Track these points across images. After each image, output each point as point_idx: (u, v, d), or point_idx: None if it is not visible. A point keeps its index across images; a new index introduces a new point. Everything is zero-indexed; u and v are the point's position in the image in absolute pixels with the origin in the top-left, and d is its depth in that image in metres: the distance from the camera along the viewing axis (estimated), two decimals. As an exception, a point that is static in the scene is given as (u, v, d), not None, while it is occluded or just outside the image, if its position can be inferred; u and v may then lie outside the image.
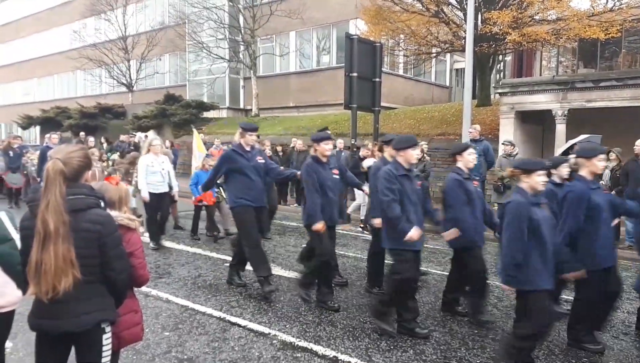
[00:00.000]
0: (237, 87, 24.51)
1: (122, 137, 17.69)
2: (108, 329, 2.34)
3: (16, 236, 2.50)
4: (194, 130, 10.70)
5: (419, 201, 4.36)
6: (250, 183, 5.31)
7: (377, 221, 4.89)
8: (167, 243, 8.08)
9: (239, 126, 5.53)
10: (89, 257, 2.20)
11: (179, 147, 17.10)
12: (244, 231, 5.38)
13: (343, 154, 11.36)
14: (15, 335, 4.04)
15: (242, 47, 22.25)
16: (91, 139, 14.41)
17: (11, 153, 11.78)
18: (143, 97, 26.45)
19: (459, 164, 4.76)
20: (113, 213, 2.51)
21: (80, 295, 2.19)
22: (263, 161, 5.53)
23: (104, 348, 2.32)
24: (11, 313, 2.73)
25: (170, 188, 7.83)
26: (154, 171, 7.53)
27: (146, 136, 19.60)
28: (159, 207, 7.67)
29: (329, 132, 5.31)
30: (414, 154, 4.29)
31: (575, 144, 8.18)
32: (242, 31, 21.79)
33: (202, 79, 24.48)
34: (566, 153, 8.18)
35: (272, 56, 22.52)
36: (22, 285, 2.54)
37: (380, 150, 5.68)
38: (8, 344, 3.88)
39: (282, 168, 7.52)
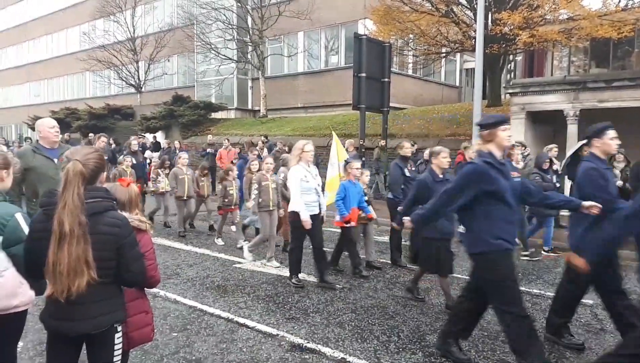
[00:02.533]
0: (245, 88, 24.57)
1: (132, 138, 17.73)
2: (120, 328, 2.39)
3: None
4: (334, 133, 8.45)
5: None
6: (510, 214, 3.46)
7: None
8: (175, 244, 8.09)
9: (478, 124, 3.69)
10: (106, 260, 2.23)
11: (187, 148, 17.14)
12: (504, 290, 3.45)
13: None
14: (24, 335, 4.05)
15: (250, 48, 22.29)
16: (134, 143, 12.01)
17: None
18: (151, 98, 26.60)
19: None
20: (124, 215, 2.51)
21: (97, 297, 2.22)
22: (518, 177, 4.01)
23: (116, 348, 2.37)
24: (24, 313, 2.77)
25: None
26: (309, 187, 5.63)
27: (155, 138, 19.74)
28: (312, 233, 5.70)
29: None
30: None
31: (585, 145, 8.09)
32: (250, 32, 21.82)
33: (211, 80, 24.56)
34: (576, 154, 8.09)
35: (280, 57, 22.53)
36: (36, 285, 2.63)
37: None
38: (18, 343, 3.90)
39: None
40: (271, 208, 6.71)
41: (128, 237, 2.30)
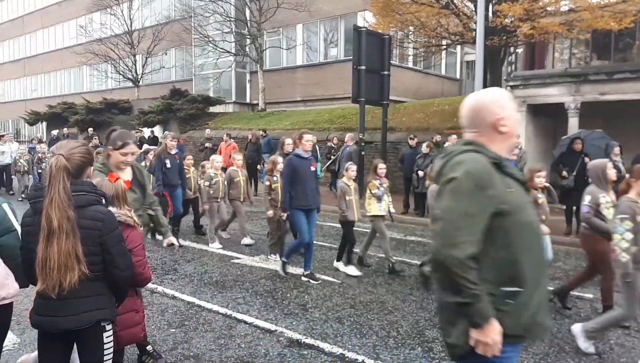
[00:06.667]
0: (243, 81, 24.43)
1: (132, 133, 17.63)
2: (109, 327, 2.34)
3: (19, 228, 2.53)
4: None
5: None
6: None
7: None
8: (172, 240, 7.99)
9: None
10: (91, 254, 2.20)
11: (184, 142, 17.05)
12: None
13: (347, 149, 11.20)
14: (23, 330, 4.02)
15: (248, 41, 22.13)
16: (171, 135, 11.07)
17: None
18: (149, 92, 26.45)
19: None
20: (111, 210, 2.49)
21: (82, 293, 2.19)
22: None
23: (106, 347, 2.32)
24: (10, 306, 2.73)
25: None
26: None
27: (152, 132, 19.63)
28: None
29: None
30: None
31: (577, 138, 8.00)
32: (249, 24, 21.65)
33: (208, 74, 24.41)
34: (570, 147, 8.00)
35: (278, 50, 22.37)
36: (21, 277, 2.59)
37: None
38: (15, 340, 3.86)
39: None
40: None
41: (112, 232, 2.26)
